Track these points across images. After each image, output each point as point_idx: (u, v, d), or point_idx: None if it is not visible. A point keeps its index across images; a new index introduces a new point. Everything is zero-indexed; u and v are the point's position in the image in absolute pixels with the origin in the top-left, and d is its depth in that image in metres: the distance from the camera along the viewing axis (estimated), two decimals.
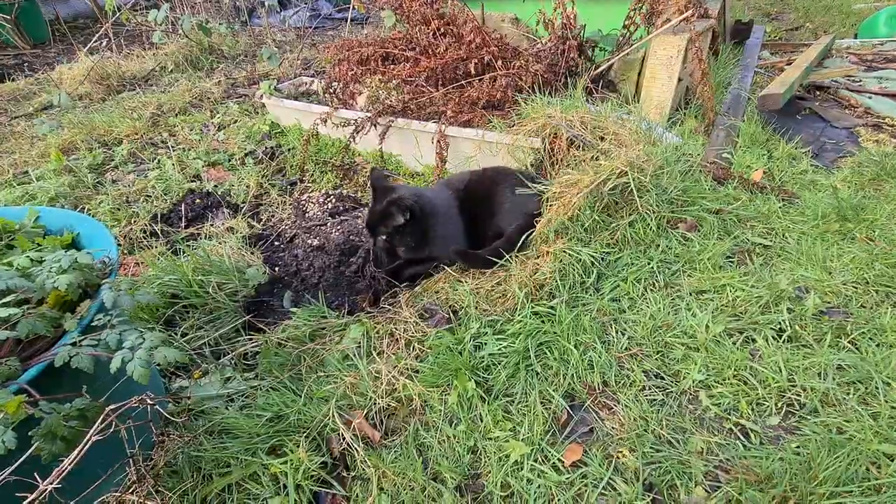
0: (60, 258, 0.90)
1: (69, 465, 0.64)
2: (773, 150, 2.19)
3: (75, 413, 0.76)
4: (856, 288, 1.41)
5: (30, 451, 0.71)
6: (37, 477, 0.66)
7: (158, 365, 0.86)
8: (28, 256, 0.94)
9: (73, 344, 0.81)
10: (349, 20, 4.50)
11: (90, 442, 0.66)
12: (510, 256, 1.49)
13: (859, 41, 3.54)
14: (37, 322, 0.82)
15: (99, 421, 0.70)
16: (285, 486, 1.03)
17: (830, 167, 2.10)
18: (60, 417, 0.73)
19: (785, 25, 4.53)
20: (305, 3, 5.24)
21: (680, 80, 2.30)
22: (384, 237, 1.46)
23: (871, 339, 1.25)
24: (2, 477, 0.67)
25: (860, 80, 2.86)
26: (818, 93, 2.85)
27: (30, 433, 0.72)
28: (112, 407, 0.72)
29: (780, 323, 1.31)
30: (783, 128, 2.35)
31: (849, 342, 1.25)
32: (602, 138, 1.71)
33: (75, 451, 0.65)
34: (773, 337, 1.27)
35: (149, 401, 0.77)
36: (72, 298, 0.91)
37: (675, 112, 2.43)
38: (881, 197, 1.82)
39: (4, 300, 0.80)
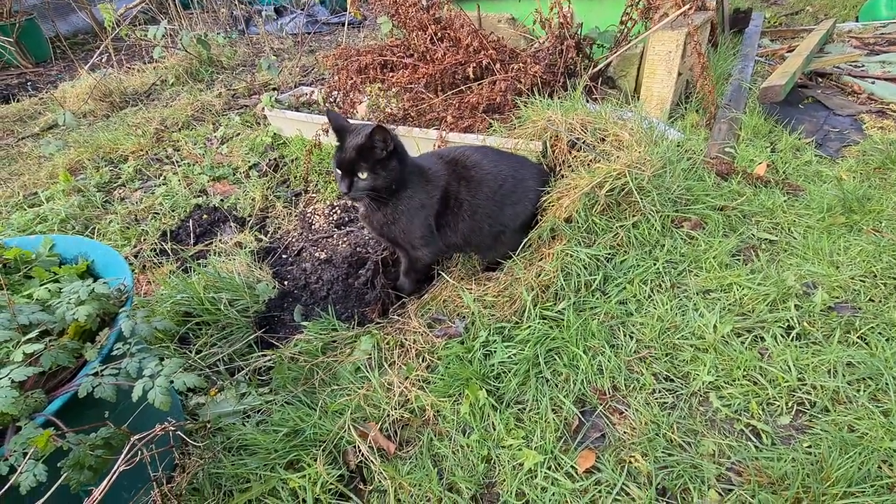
0: (78, 289, 0.93)
1: (99, 495, 0.67)
2: (776, 142, 2.18)
3: (101, 442, 0.79)
4: (863, 282, 1.41)
5: (59, 482, 0.73)
6: None
7: (177, 390, 0.88)
8: (46, 288, 0.97)
9: (95, 374, 0.83)
10: (346, 24, 4.51)
11: (118, 472, 0.69)
12: (516, 259, 1.51)
13: (861, 24, 3.50)
14: (59, 354, 0.84)
15: (126, 451, 0.72)
16: (304, 501, 1.06)
17: (835, 157, 2.09)
18: (87, 447, 0.75)
19: (784, 10, 4.48)
20: (301, 10, 5.25)
21: (680, 74, 2.29)
22: (364, 175, 1.31)
23: (880, 333, 1.25)
24: None
25: (863, 66, 2.83)
26: (820, 80, 2.82)
27: (58, 465, 0.74)
28: (138, 437, 0.74)
29: (788, 320, 1.31)
30: (786, 118, 2.33)
31: (858, 338, 1.25)
32: (603, 139, 1.71)
33: (104, 483, 0.68)
34: (781, 335, 1.28)
35: (171, 428, 0.79)
36: (91, 328, 0.94)
37: (675, 107, 2.42)
38: (887, 186, 1.80)
39: (28, 336, 0.83)
